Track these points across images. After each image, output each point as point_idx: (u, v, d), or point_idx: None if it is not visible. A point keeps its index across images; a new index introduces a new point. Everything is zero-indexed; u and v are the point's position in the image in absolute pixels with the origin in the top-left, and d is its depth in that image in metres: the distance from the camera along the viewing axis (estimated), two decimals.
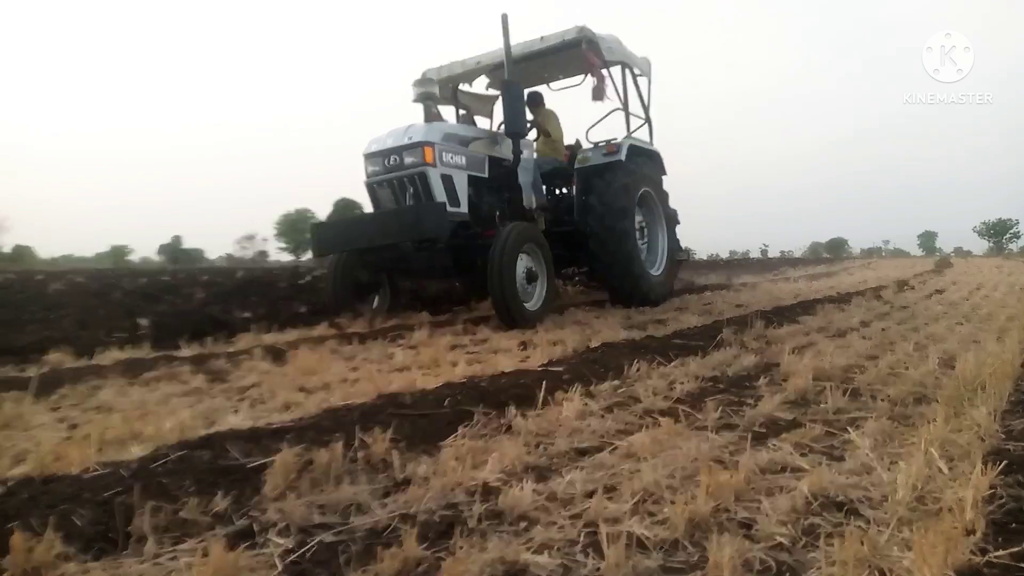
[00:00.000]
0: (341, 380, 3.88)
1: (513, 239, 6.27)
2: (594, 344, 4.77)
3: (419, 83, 7.53)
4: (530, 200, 7.72)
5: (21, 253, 54.13)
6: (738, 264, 29.41)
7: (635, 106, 9.01)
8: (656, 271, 8.59)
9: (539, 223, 7.57)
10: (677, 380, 3.64)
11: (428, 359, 4.49)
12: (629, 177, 7.95)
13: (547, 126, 8.80)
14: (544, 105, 8.98)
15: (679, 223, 9.96)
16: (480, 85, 9.51)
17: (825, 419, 2.90)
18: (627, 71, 8.87)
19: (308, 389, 3.68)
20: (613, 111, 8.68)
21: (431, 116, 7.02)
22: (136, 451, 2.50)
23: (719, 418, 2.91)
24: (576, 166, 8.26)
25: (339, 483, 2.16)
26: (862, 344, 4.79)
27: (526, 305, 6.42)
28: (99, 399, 3.61)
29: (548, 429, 2.77)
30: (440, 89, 8.45)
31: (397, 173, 6.59)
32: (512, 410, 2.94)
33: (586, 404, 3.11)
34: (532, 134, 8.67)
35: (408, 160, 6.52)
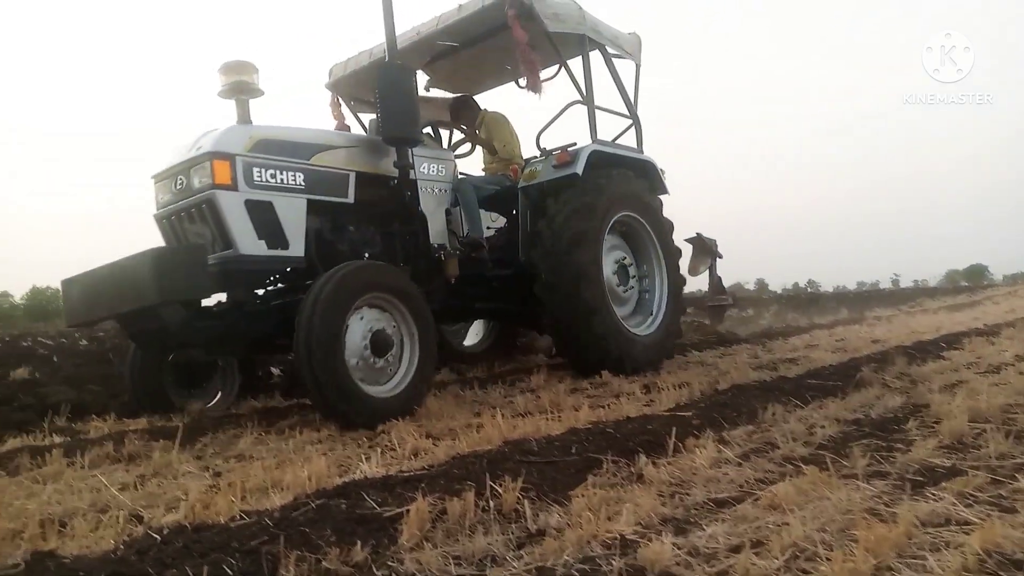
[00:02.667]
0: (466, 426, 3.90)
1: (334, 290, 4.06)
2: (722, 386, 4.61)
3: (330, 86, 6.40)
4: (443, 235, 5.66)
5: None
6: (868, 296, 27.98)
7: (616, 100, 6.62)
8: (646, 328, 6.25)
9: (450, 267, 5.43)
10: (816, 424, 3.45)
11: (549, 403, 4.46)
12: (590, 195, 5.73)
13: (491, 136, 6.67)
14: (480, 108, 6.90)
15: (719, 262, 9.27)
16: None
17: (988, 465, 2.65)
18: (594, 49, 6.32)
19: (435, 435, 3.71)
20: (570, 105, 6.14)
21: (247, 116, 4.65)
22: (277, 499, 2.58)
23: (868, 465, 2.72)
24: (520, 184, 6.02)
25: (473, 533, 2.14)
26: (1020, 381, 4.41)
27: (371, 390, 4.20)
28: (239, 448, 3.76)
29: (682, 478, 2.67)
30: (352, 89, 6.66)
31: (184, 202, 4.48)
32: (642, 458, 2.85)
33: (720, 451, 2.98)
34: (472, 144, 6.98)
35: (196, 182, 4.40)
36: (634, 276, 6.36)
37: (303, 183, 4.69)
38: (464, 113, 6.86)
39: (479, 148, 6.94)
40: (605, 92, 6.49)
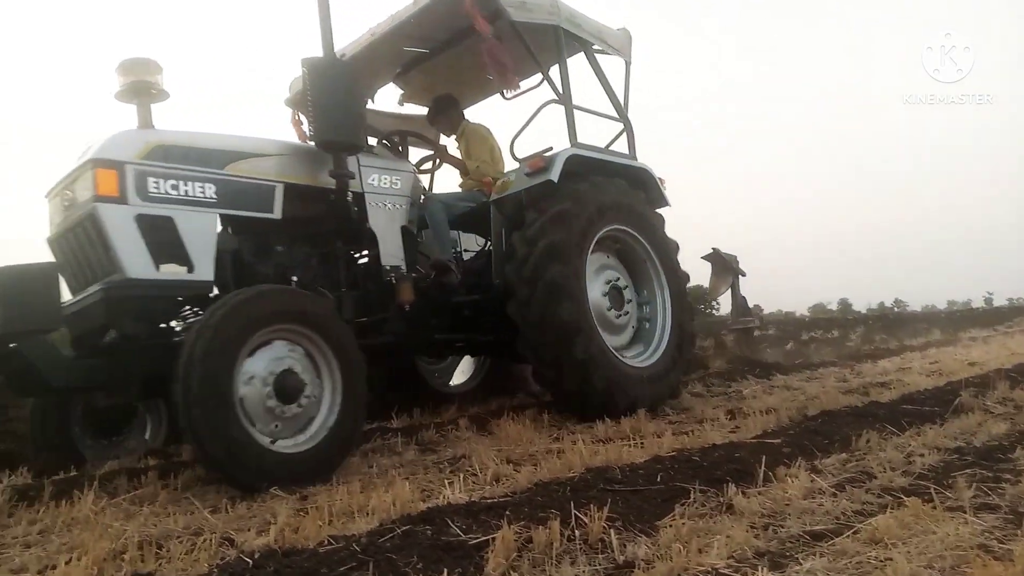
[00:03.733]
0: (546, 451, 3.87)
1: (222, 322, 3.34)
2: (811, 412, 4.45)
3: (289, 102, 5.80)
4: (397, 256, 4.86)
5: None
6: (961, 316, 26.72)
7: (602, 102, 5.88)
8: (644, 360, 5.39)
9: (404, 292, 4.74)
10: (915, 452, 3.29)
11: (629, 429, 4.39)
12: (569, 204, 5.00)
13: (468, 150, 6.04)
14: (463, 114, 6.25)
15: (748, 285, 8.42)
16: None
17: None
18: (572, 44, 5.63)
19: (515, 461, 3.69)
20: (545, 105, 5.51)
21: (148, 122, 4.03)
22: (363, 524, 2.60)
23: (974, 497, 2.57)
24: (492, 197, 5.35)
25: (559, 563, 2.11)
26: None
27: (274, 445, 3.46)
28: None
29: (774, 509, 2.57)
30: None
31: (71, 220, 3.87)
32: (731, 487, 2.76)
33: (813, 480, 2.87)
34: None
35: (80, 195, 3.80)
36: (630, 301, 5.53)
37: (214, 196, 4.00)
38: (443, 116, 6.12)
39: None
40: (599, 95, 5.91)
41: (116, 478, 3.64)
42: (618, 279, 5.47)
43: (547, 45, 5.40)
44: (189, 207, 3.90)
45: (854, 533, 2.26)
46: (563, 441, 4.05)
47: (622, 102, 5.94)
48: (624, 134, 5.96)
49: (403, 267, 4.88)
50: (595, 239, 5.17)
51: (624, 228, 5.45)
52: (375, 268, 4.83)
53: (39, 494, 3.34)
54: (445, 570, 2.01)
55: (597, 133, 5.93)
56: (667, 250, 5.76)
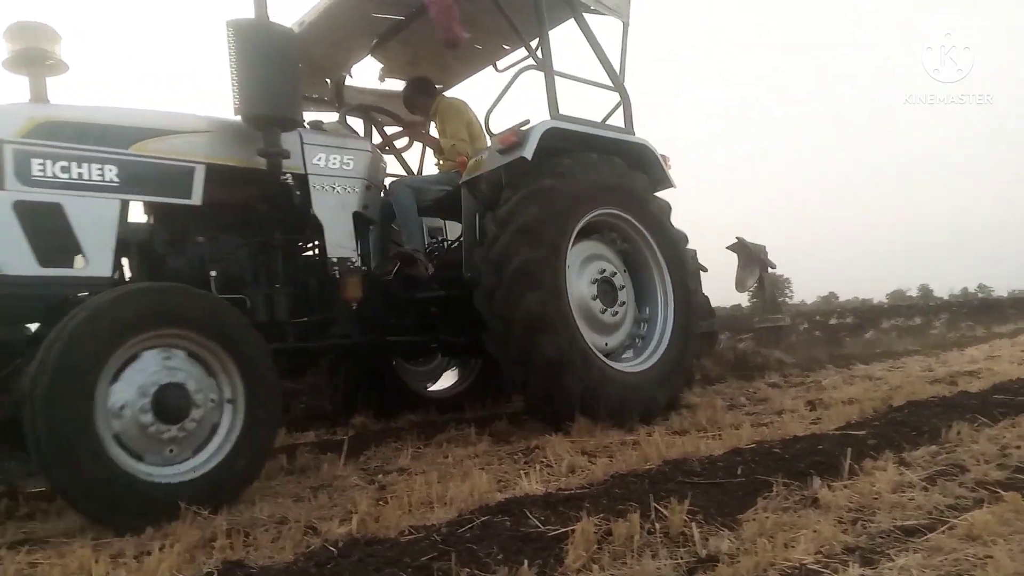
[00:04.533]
0: (620, 443, 3.83)
1: (81, 328, 2.78)
2: (897, 402, 4.29)
3: None
4: (347, 246, 4.33)
5: None
6: None
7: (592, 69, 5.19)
8: (637, 364, 4.75)
9: (350, 288, 4.22)
10: (1010, 444, 3.14)
11: (706, 421, 4.32)
12: (548, 180, 4.42)
13: (443, 128, 5.51)
14: (437, 94, 5.74)
15: (772, 272, 7.99)
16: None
17: None
18: (562, 8, 5.00)
19: (590, 452, 3.67)
20: (523, 71, 4.84)
21: (43, 96, 3.55)
22: (441, 514, 2.62)
23: None
24: (463, 178, 4.77)
25: (640, 556, 2.08)
26: None
27: (151, 471, 2.88)
28: (400, 462, 3.87)
29: (862, 503, 2.49)
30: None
31: None
32: (815, 480, 2.69)
33: (902, 473, 2.76)
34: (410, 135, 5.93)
35: None
36: (624, 293, 4.87)
37: (116, 179, 3.50)
38: (418, 99, 5.65)
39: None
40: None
41: None
42: (606, 271, 4.78)
43: (529, 9, 4.79)
44: (83, 192, 3.41)
45: (949, 528, 2.17)
46: (638, 433, 4.00)
47: (617, 69, 5.23)
48: (621, 106, 5.27)
49: (354, 259, 4.32)
50: (581, 223, 4.56)
51: (619, 213, 4.81)
52: (319, 261, 4.32)
53: None
54: (525, 561, 2.01)
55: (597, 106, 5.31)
56: (671, 240, 5.08)
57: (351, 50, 5.54)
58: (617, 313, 4.77)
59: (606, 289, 4.74)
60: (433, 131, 5.77)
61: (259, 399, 3.16)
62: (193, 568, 2.14)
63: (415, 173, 6.10)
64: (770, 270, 8.47)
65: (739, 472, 2.87)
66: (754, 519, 2.34)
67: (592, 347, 4.41)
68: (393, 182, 5.25)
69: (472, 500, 2.74)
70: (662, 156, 5.26)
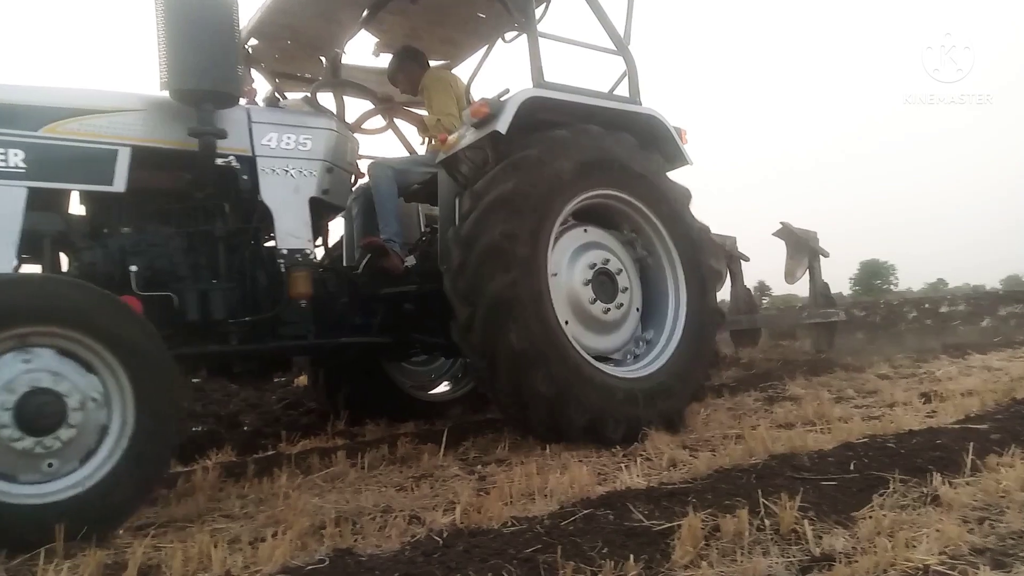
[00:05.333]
0: (722, 437, 3.74)
1: None
2: (1020, 395, 4.04)
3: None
4: (302, 237, 3.87)
5: None
6: None
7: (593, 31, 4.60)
8: (640, 368, 4.12)
9: (298, 284, 3.77)
10: None
11: (812, 414, 4.16)
12: (534, 150, 3.87)
13: (429, 103, 4.89)
14: (426, 66, 5.05)
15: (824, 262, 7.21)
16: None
17: None
18: None
19: (691, 446, 3.59)
20: (502, 35, 4.81)
21: None
22: (542, 506, 2.62)
23: None
24: (439, 157, 4.22)
25: (750, 554, 2.03)
26: None
27: (11, 489, 2.46)
28: (498, 452, 3.86)
29: (987, 501, 2.35)
30: (269, 49, 4.96)
31: None
32: (935, 476, 2.56)
33: None
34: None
35: None
36: (626, 289, 4.21)
37: (22, 164, 3.18)
38: (405, 73, 5.01)
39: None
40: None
41: (309, 457, 3.88)
42: (607, 261, 4.16)
43: None
44: None
45: None
46: (741, 426, 3.90)
47: (622, 31, 4.58)
48: (627, 74, 4.58)
49: (308, 250, 3.87)
50: (574, 204, 4.01)
51: (622, 196, 4.21)
52: (268, 254, 3.85)
53: (244, 471, 3.63)
54: (631, 556, 1.98)
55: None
56: (687, 232, 4.42)
57: (342, 23, 4.91)
58: (615, 310, 4.12)
59: (604, 281, 4.11)
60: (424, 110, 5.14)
61: (149, 408, 2.70)
62: (305, 555, 2.20)
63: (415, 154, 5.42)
64: (822, 258, 7.68)
65: (852, 468, 2.76)
66: (870, 517, 2.24)
67: (577, 344, 3.81)
68: (372, 164, 4.64)
69: (573, 493, 2.73)
70: (676, 129, 4.60)
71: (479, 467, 3.59)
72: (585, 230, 4.20)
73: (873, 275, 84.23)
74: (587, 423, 3.65)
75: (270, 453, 4.32)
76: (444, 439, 4.06)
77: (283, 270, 3.76)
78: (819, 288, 7.65)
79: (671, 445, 3.57)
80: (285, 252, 3.80)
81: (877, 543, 2.00)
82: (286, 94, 4.83)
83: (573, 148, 3.97)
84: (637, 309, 4.34)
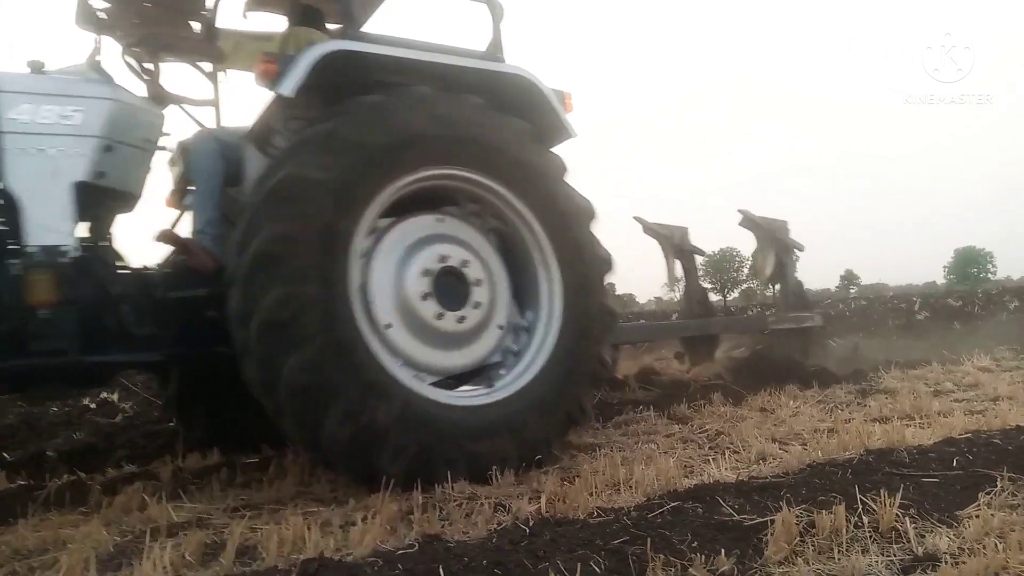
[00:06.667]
0: (813, 430, 3.63)
1: None
2: None
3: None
4: (61, 230, 3.18)
5: None
6: None
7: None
8: (496, 391, 3.34)
9: (37, 290, 3.05)
10: None
11: (910, 408, 4.00)
12: (319, 128, 3.14)
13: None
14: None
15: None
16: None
17: None
18: None
19: (780, 440, 3.50)
20: None
21: None
22: (627, 498, 2.60)
23: None
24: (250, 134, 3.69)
25: (848, 552, 1.96)
26: None
27: None
28: (579, 443, 3.85)
29: None
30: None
31: None
32: None
33: None
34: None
35: None
36: (481, 294, 3.36)
37: None
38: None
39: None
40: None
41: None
42: (456, 258, 3.33)
43: None
44: None
45: None
46: (833, 419, 3.78)
47: None
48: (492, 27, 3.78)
49: (68, 247, 3.17)
50: (395, 188, 3.19)
51: (471, 176, 3.39)
52: (15, 250, 3.12)
53: None
54: (722, 550, 1.94)
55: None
56: (561, 216, 3.56)
57: None
58: (464, 318, 3.30)
59: (450, 284, 3.29)
60: None
61: None
62: (395, 540, 2.24)
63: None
64: (797, 253, 6.61)
65: (955, 464, 2.64)
66: (977, 516, 2.13)
67: (392, 367, 3.03)
68: (194, 135, 3.98)
69: (659, 485, 2.70)
70: (556, 93, 3.80)
71: (563, 457, 3.58)
72: (440, 219, 3.45)
73: (969, 263, 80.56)
74: (407, 467, 2.86)
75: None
76: None
77: (22, 272, 3.05)
78: (791, 287, 6.59)
79: (759, 438, 3.49)
80: (35, 249, 3.09)
81: (986, 544, 1.90)
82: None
83: (389, 118, 3.18)
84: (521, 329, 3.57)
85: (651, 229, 6.49)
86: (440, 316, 3.22)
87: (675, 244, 6.38)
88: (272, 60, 3.24)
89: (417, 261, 3.24)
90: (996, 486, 2.39)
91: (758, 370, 5.61)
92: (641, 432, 4.00)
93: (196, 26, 4.38)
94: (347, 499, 2.82)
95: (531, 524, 2.25)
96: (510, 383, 3.36)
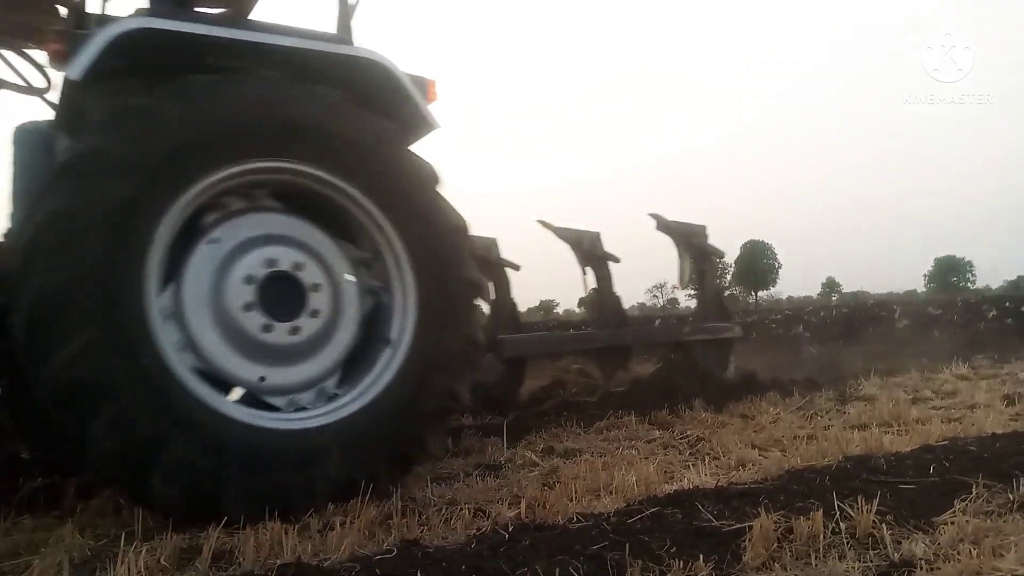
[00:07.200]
0: (793, 437, 3.66)
1: None
2: None
3: None
4: None
5: None
6: None
7: None
8: (337, 409, 2.93)
9: None
10: None
11: (888, 415, 4.03)
12: (110, 114, 2.79)
13: None
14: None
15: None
16: None
17: None
18: None
19: (760, 446, 3.52)
20: None
21: None
22: (608, 503, 2.61)
23: None
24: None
25: (825, 558, 1.97)
26: None
27: None
28: (561, 447, 3.85)
29: None
30: None
31: None
32: (1022, 482, 2.44)
33: None
34: None
35: None
36: (320, 301, 2.97)
37: None
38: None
39: None
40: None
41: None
42: (289, 261, 2.93)
43: None
44: None
45: None
46: (812, 426, 3.80)
47: None
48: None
49: None
50: (205, 185, 2.76)
51: (309, 171, 2.95)
52: None
53: None
54: (700, 556, 1.94)
55: None
56: (416, 217, 3.13)
57: None
58: (302, 329, 2.91)
59: (283, 291, 2.91)
60: None
61: None
62: (373, 544, 2.23)
63: None
64: (717, 260, 6.21)
65: (931, 471, 2.67)
66: (952, 523, 2.15)
67: (186, 378, 2.64)
68: (17, 127, 3.58)
69: (639, 490, 2.71)
70: (416, 80, 3.37)
71: (543, 461, 3.58)
72: (284, 218, 3.05)
73: (949, 272, 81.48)
74: (182, 492, 2.50)
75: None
76: (505, 432, 4.08)
77: None
78: (710, 295, 6.16)
79: (739, 444, 3.51)
80: None
81: (960, 550, 1.92)
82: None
83: (206, 103, 2.80)
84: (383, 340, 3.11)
85: (558, 233, 5.84)
86: (268, 328, 2.84)
87: (584, 250, 5.72)
88: (61, 39, 2.82)
89: (240, 267, 2.82)
90: (971, 493, 2.41)
91: (662, 388, 5.14)
92: (622, 437, 4.00)
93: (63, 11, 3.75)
94: (325, 503, 2.80)
95: (510, 529, 2.24)
96: (335, 410, 2.92)
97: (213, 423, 2.61)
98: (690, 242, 5.99)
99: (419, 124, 3.40)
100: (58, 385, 2.43)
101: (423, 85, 3.40)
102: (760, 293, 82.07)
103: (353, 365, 3.11)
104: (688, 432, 4.03)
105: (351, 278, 3.12)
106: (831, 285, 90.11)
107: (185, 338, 2.73)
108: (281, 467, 2.66)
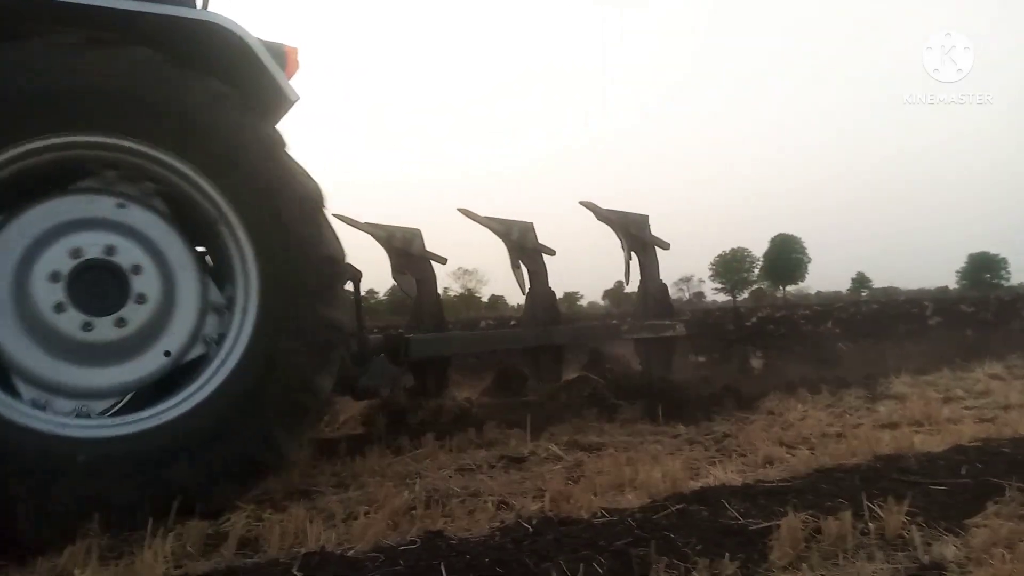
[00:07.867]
0: (821, 435, 3.61)
1: None
2: None
3: None
4: None
5: None
6: None
7: None
8: (151, 416, 2.56)
9: None
10: None
11: (919, 414, 3.97)
12: None
13: None
14: None
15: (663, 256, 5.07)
16: None
17: None
18: None
19: (788, 443, 3.48)
20: None
21: None
22: (632, 498, 2.59)
23: None
24: None
25: (854, 559, 1.94)
26: None
27: None
28: (585, 441, 3.85)
29: None
30: None
31: None
32: None
33: None
34: None
35: None
36: (145, 284, 2.63)
37: None
38: None
39: None
40: None
41: (399, 438, 3.94)
42: (102, 247, 2.60)
43: None
44: None
45: None
46: (842, 424, 3.75)
47: None
48: None
49: None
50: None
51: (124, 143, 2.59)
52: None
53: (337, 448, 3.71)
54: (727, 554, 1.92)
55: None
56: (250, 191, 2.78)
57: None
58: (128, 320, 2.61)
59: (101, 282, 2.60)
60: None
61: None
62: (397, 535, 2.23)
63: None
64: (660, 251, 5.60)
65: (963, 472, 2.63)
66: (984, 525, 2.11)
67: None
68: None
69: (664, 486, 2.68)
70: (272, 46, 3.01)
71: (567, 455, 3.57)
72: (121, 205, 2.66)
73: (983, 268, 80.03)
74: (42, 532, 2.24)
75: (359, 432, 4.38)
76: (528, 425, 4.06)
77: None
78: (651, 291, 5.58)
79: (767, 442, 3.47)
80: None
81: (993, 554, 1.88)
82: None
83: None
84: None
85: (484, 223, 5.41)
86: (89, 326, 2.54)
87: (514, 242, 5.29)
88: None
89: (41, 264, 2.50)
90: (1005, 495, 2.36)
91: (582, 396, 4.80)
92: (646, 432, 3.98)
93: None
94: (350, 492, 2.82)
95: (534, 523, 2.24)
96: (168, 409, 2.59)
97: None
98: (628, 232, 5.47)
99: (274, 95, 3.01)
100: None
101: (281, 53, 3.05)
102: (788, 288, 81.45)
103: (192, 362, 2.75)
104: (714, 428, 4.01)
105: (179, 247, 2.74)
106: (861, 280, 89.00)
107: None
108: (90, 476, 2.35)
